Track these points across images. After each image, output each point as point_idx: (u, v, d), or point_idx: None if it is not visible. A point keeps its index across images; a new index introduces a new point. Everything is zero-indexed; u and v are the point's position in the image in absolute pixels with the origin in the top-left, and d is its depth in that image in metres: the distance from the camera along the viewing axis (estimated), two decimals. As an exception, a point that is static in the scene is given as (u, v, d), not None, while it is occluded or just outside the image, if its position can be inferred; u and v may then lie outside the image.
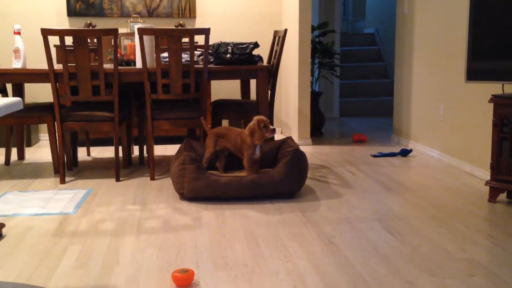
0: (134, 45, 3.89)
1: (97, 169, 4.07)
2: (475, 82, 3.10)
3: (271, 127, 3.24)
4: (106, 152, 4.74)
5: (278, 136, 5.21)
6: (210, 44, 3.81)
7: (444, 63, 4.20)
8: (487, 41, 2.99)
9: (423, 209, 3.00)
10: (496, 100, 3.02)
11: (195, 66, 3.68)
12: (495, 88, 3.44)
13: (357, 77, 7.51)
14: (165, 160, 4.36)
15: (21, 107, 2.19)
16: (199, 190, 3.12)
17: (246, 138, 3.30)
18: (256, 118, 3.27)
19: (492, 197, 3.10)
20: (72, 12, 5.25)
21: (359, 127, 6.02)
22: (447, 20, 4.12)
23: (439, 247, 2.41)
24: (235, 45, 3.79)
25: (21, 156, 4.36)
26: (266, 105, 3.79)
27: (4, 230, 2.69)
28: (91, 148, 4.83)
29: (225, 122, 5.44)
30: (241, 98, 4.53)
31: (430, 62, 4.45)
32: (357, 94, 7.27)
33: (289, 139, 3.64)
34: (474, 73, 3.07)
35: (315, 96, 5.50)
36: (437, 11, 4.29)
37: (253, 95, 5.33)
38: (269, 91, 4.04)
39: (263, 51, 5.42)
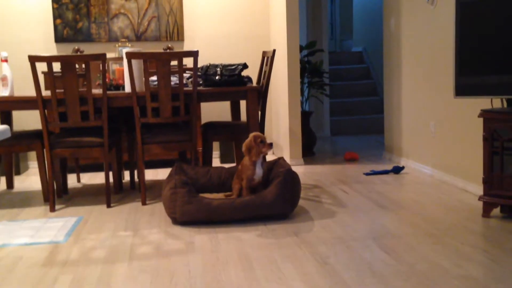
0: (123, 70, 3.90)
1: (88, 195, 4.04)
2: (463, 98, 3.13)
3: (267, 142, 3.25)
4: (96, 178, 4.71)
5: (269, 157, 5.21)
6: (198, 66, 3.82)
7: (432, 79, 4.24)
8: (474, 56, 3.03)
9: (417, 226, 3.00)
10: (485, 114, 3.05)
11: (184, 88, 3.69)
12: (484, 102, 3.47)
13: (346, 96, 7.56)
14: (157, 184, 4.34)
15: (9, 135, 2.18)
16: (191, 213, 3.10)
17: (244, 158, 3.31)
18: (252, 134, 3.29)
19: (486, 212, 3.11)
20: (59, 38, 5.27)
21: (350, 146, 6.04)
22: (434, 36, 4.18)
23: (435, 264, 2.40)
24: (224, 66, 3.81)
25: (10, 185, 4.32)
26: (256, 126, 3.80)
27: (-7, 261, 2.65)
28: (81, 175, 4.80)
29: (216, 145, 5.44)
30: (231, 120, 4.53)
31: (418, 78, 4.49)
32: (348, 112, 7.31)
33: (281, 159, 3.64)
34: (462, 89, 3.10)
35: (305, 116, 5.52)
36: (423, 27, 4.35)
37: (243, 116, 5.34)
38: (259, 112, 4.05)
39: (252, 72, 5.45)
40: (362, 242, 2.74)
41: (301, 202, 3.53)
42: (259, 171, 3.30)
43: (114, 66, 4.20)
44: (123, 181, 4.42)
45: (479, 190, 3.58)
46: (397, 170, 4.45)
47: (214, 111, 5.56)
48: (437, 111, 4.18)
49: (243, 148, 3.27)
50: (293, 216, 3.26)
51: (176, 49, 5.37)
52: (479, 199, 3.14)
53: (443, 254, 2.53)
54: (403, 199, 3.61)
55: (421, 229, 2.93)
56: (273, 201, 3.12)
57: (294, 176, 3.26)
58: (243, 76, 3.88)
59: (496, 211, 3.21)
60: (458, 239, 2.75)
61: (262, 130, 4.00)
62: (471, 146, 3.70)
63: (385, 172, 4.46)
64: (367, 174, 4.44)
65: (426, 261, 2.45)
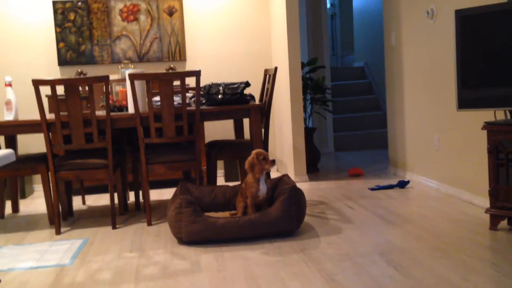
0: (126, 91, 3.93)
1: (93, 217, 4.04)
2: (466, 110, 3.14)
3: (270, 159, 3.26)
4: (101, 199, 4.71)
5: (274, 174, 5.20)
6: (201, 85, 3.84)
7: (435, 92, 4.25)
8: (476, 69, 3.04)
9: (424, 240, 2.98)
10: (489, 127, 3.05)
11: (187, 108, 3.71)
12: (487, 114, 3.47)
13: (349, 111, 7.57)
14: (162, 205, 4.34)
15: (13, 159, 2.19)
16: (197, 233, 3.10)
17: (248, 175, 3.31)
18: (254, 151, 3.30)
19: (493, 225, 3.09)
20: (62, 61, 5.32)
21: (355, 161, 6.03)
22: (435, 49, 4.20)
23: (443, 279, 2.38)
24: (226, 85, 3.83)
25: (15, 208, 4.33)
26: (260, 144, 3.80)
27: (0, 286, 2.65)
28: (86, 196, 4.80)
29: (220, 163, 5.44)
30: (235, 138, 4.54)
31: (421, 92, 4.50)
32: (351, 127, 7.31)
33: (285, 176, 3.64)
34: (465, 101, 3.11)
35: (309, 132, 5.53)
36: (424, 41, 4.38)
37: (246, 134, 5.36)
38: (263, 129, 4.06)
39: (254, 90, 5.48)
40: (369, 258, 2.73)
41: (306, 219, 3.52)
42: (263, 188, 3.31)
43: (117, 88, 4.23)
44: (128, 202, 4.42)
45: (485, 202, 3.57)
46: (402, 184, 4.43)
47: (218, 130, 5.58)
48: (441, 124, 4.18)
49: (246, 166, 3.28)
50: (299, 233, 3.25)
51: (179, 69, 5.40)
52: (485, 212, 3.13)
53: (451, 268, 2.52)
54: (409, 214, 3.60)
55: (428, 243, 2.92)
56: (278, 218, 3.12)
57: (299, 193, 3.26)
58: (246, 94, 3.90)
59: (504, 223, 3.20)
60: (465, 252, 2.73)
61: (265, 147, 4.01)
62: (476, 159, 3.69)
63: (390, 186, 4.45)
64: (372, 189, 4.43)
65: (433, 275, 2.43)
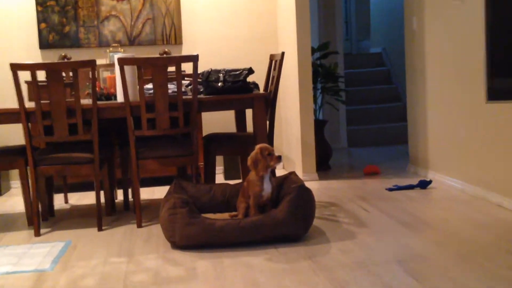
0: (114, 77, 3.92)
1: (77, 217, 4.05)
2: (497, 102, 3.12)
3: (276, 154, 3.25)
4: (86, 198, 4.72)
5: (280, 172, 5.20)
6: (199, 72, 3.83)
7: (461, 82, 4.23)
8: (509, 55, 3.02)
9: (447, 247, 2.97)
10: (522, 120, 3.03)
11: (183, 97, 3.71)
12: (520, 107, 3.46)
13: (365, 102, 7.55)
14: (153, 205, 4.34)
15: (-11, 151, 2.19)
16: (192, 236, 3.10)
17: (251, 173, 3.31)
18: (258, 146, 3.30)
19: (526, 230, 3.08)
20: (44, 44, 5.32)
21: (370, 158, 6.02)
22: (461, 34, 4.17)
23: (469, 290, 2.38)
24: (227, 72, 3.82)
25: (-10, 207, 4.34)
26: (264, 137, 3.80)
27: (-29, 293, 2.65)
28: (69, 195, 4.81)
29: (219, 159, 5.44)
30: (236, 131, 4.54)
31: (445, 81, 4.48)
32: (366, 120, 7.30)
33: (292, 174, 3.63)
34: (495, 92, 3.09)
35: (319, 125, 5.52)
36: (449, 25, 4.35)
37: (249, 127, 5.34)
38: (268, 122, 4.05)
39: (258, 78, 5.46)
40: (386, 266, 2.72)
41: (316, 222, 3.52)
42: (267, 187, 3.30)
43: (105, 74, 4.23)
44: (116, 201, 4.42)
45: (517, 205, 3.56)
46: (424, 184, 4.43)
47: (217, 121, 5.57)
48: (468, 118, 4.16)
49: (249, 162, 3.27)
50: (307, 237, 3.24)
51: (174, 54, 5.40)
52: (517, 216, 3.12)
53: (477, 278, 2.51)
54: (431, 217, 3.59)
55: (452, 250, 2.91)
56: (284, 221, 3.11)
57: (307, 193, 3.26)
58: (249, 82, 3.89)
59: (537, 229, 3.19)
60: (493, 261, 2.72)
61: (270, 141, 4.00)
62: (507, 157, 3.68)
63: (410, 187, 4.44)
64: (390, 189, 4.43)
65: (457, 286, 2.42)
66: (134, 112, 3.62)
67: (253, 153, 3.29)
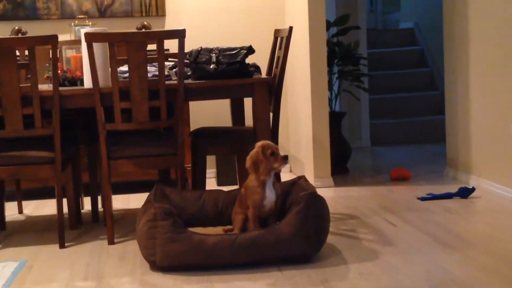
0: (81, 57, 3.92)
1: (33, 231, 4.05)
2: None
3: (281, 154, 3.25)
4: (45, 207, 4.72)
5: (286, 176, 5.19)
6: (186, 51, 3.83)
7: (512, 66, 4.23)
8: None
9: (494, 271, 2.98)
10: None
11: (167, 82, 3.70)
12: None
13: (392, 90, 7.55)
14: (129, 216, 4.34)
15: None
16: (177, 255, 3.10)
17: (250, 177, 3.31)
18: (259, 144, 3.30)
19: None
20: (-6, 14, 5.31)
21: (399, 160, 6.02)
22: (514, 6, 4.17)
23: (520, 325, 2.39)
24: (221, 51, 3.82)
25: None
26: (267, 133, 3.80)
27: None
28: (24, 203, 4.81)
29: (211, 160, 5.44)
30: (232, 125, 4.54)
31: (494, 65, 4.48)
32: (394, 113, 7.29)
33: (301, 179, 3.63)
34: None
35: (335, 119, 5.52)
36: (498, -6, 4.35)
37: (248, 120, 5.34)
38: (271, 114, 4.05)
39: (260, 59, 5.45)
40: (417, 294, 2.73)
41: (330, 239, 3.52)
42: (270, 195, 3.30)
43: (69, 53, 4.22)
44: (82, 211, 4.43)
45: None
46: (465, 193, 4.43)
47: (208, 113, 5.57)
48: (520, 110, 4.16)
49: (248, 163, 3.27)
50: (319, 258, 3.25)
51: (155, 28, 5.39)
52: None
53: (531, 309, 2.51)
54: (474, 234, 3.59)
55: (499, 275, 2.91)
56: (291, 237, 3.12)
57: (320, 202, 3.26)
58: (248, 64, 3.89)
59: None
60: (551, 288, 2.73)
61: (275, 138, 4.00)
62: None
63: (448, 196, 4.44)
64: (422, 199, 4.43)
65: (506, 319, 2.43)
66: (105, 101, 3.62)
67: (253, 152, 3.29)
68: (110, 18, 5.43)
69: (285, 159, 3.26)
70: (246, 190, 3.35)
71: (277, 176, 3.71)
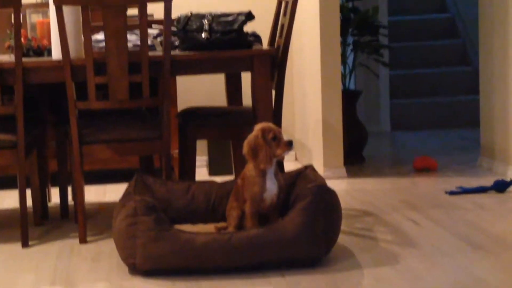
0: (48, 23, 3.92)
1: (-8, 228, 4.07)
2: None
3: (284, 139, 3.26)
4: (5, 199, 4.73)
5: (290, 165, 5.20)
6: (173, 17, 3.83)
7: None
8: None
9: (534, 278, 2.99)
10: None
11: (150, 54, 3.70)
12: None
13: (417, 65, 7.53)
14: (105, 210, 4.35)
15: None
16: (161, 257, 3.10)
17: (247, 165, 3.32)
18: (259, 126, 3.30)
19: None
20: None
21: (423, 147, 6.02)
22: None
23: None
24: (215, 17, 3.82)
25: None
26: (269, 114, 3.80)
27: None
28: (-19, 195, 4.82)
29: (202, 145, 5.44)
30: (227, 105, 4.54)
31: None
32: (419, 92, 7.28)
33: (308, 169, 3.64)
34: None
35: (350, 98, 5.51)
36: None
37: (247, 100, 5.33)
38: (274, 92, 4.05)
39: (261, 27, 5.45)
40: (443, 304, 2.75)
41: (341, 239, 3.53)
42: (271, 187, 3.31)
43: (34, 18, 4.21)
44: (49, 204, 4.44)
45: None
46: (502, 186, 4.43)
47: (199, 90, 5.57)
48: None
49: (245, 149, 3.27)
50: (329, 261, 3.25)
51: (137, -11, 5.37)
52: None
53: None
54: (511, 234, 3.61)
55: (541, 283, 2.93)
56: (295, 236, 3.12)
57: (330, 197, 3.27)
58: (247, 33, 3.88)
59: None
60: None
61: (278, 120, 4.00)
62: None
63: (482, 189, 4.45)
64: (451, 193, 4.44)
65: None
66: (76, 75, 3.62)
67: (251, 137, 3.28)
68: (83, -23, 5.40)
69: (289, 144, 3.26)
70: (243, 181, 3.35)
71: (280, 165, 3.71)
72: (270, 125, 3.32)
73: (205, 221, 3.61)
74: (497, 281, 2.97)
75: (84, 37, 3.57)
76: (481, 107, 5.26)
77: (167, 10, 3.61)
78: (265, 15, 5.09)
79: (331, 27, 4.94)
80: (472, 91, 7.09)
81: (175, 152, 4.66)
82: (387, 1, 6.86)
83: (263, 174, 3.29)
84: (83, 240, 3.69)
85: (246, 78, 4.56)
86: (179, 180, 4.05)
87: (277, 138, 3.26)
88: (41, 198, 4.10)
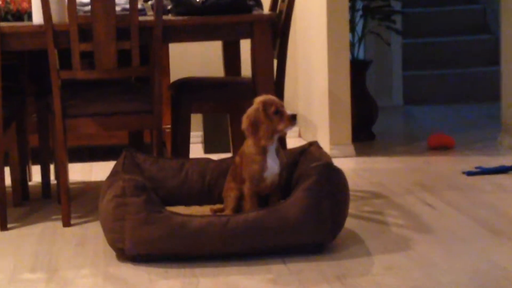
0: (29, -16, 3.90)
1: (-33, 209, 4.07)
2: None
3: (287, 112, 3.25)
4: (-18, 178, 4.73)
5: (293, 142, 5.20)
6: (166, -22, 3.82)
7: None
8: None
9: (559, 266, 2.99)
10: None
11: (140, 18, 3.68)
12: None
13: (433, 33, 7.51)
14: (90, 190, 4.36)
15: None
16: (152, 242, 3.10)
17: (246, 142, 3.30)
18: (260, 99, 3.28)
19: None
20: None
21: (439, 123, 6.01)
22: None
23: None
24: (211, -22, 3.80)
25: None
26: (270, 86, 3.78)
27: None
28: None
29: (196, 120, 5.43)
30: (224, 75, 4.52)
31: None
32: (435, 62, 7.26)
33: (313, 146, 3.63)
34: None
35: (359, 69, 5.50)
36: None
37: (246, 70, 5.32)
38: (276, 61, 4.04)
39: (262, -10, 5.44)
40: (460, 295, 2.74)
41: (349, 223, 3.53)
42: (272, 166, 3.29)
43: (13, -22, 4.19)
44: (30, 183, 4.44)
45: None
46: (524, 166, 4.45)
47: (194, 59, 5.55)
48: None
49: (244, 124, 3.25)
50: (334, 247, 3.26)
51: None
52: None
53: None
54: (534, 219, 3.61)
55: None
56: (298, 220, 3.12)
57: (337, 177, 3.26)
58: (246, -4, 3.87)
59: None
60: None
61: (279, 93, 3.99)
62: None
63: (502, 169, 4.45)
64: (469, 173, 4.44)
65: None
66: (59, 42, 3.60)
67: (251, 110, 3.26)
68: None
69: (292, 119, 3.25)
70: (241, 158, 3.34)
71: (282, 141, 3.70)
72: (272, 97, 3.31)
73: (200, 202, 3.61)
74: (518, 270, 2.98)
75: None
76: (502, 79, 5.24)
77: (159, -30, 3.59)
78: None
79: (338, -9, 4.93)
80: (492, 62, 7.08)
81: (167, 126, 4.65)
82: (401, -39, 6.83)
83: (263, 151, 3.28)
84: (66, 223, 3.69)
85: (245, 46, 4.54)
86: (172, 157, 4.04)
87: (279, 112, 3.24)
88: (21, 176, 4.10)
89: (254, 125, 3.24)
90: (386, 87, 6.82)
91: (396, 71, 6.82)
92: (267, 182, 3.32)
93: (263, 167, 3.28)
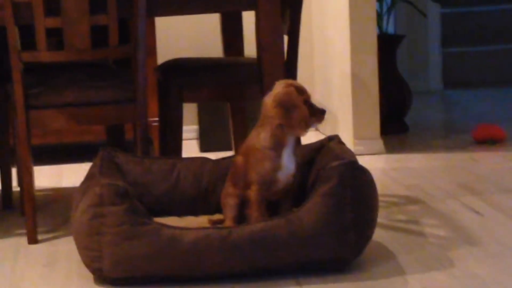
0: None
1: None
2: None
3: (316, 105, 3.26)
4: None
5: (309, 136, 5.20)
6: None
7: None
8: None
9: None
10: None
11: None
12: None
13: (478, 1, 7.51)
14: (61, 198, 4.37)
15: None
16: (136, 261, 3.11)
17: (251, 135, 3.29)
18: (288, 82, 3.27)
19: None
20: None
21: (486, 111, 6.02)
22: None
23: None
24: None
25: None
26: (279, 67, 3.78)
27: None
28: None
29: (190, 110, 5.43)
30: (223, 56, 4.53)
31: None
32: (480, 38, 7.27)
33: (333, 141, 3.63)
34: None
35: (388, 46, 5.51)
36: None
37: (250, 49, 5.32)
38: (286, 38, 4.04)
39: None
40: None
41: (378, 235, 3.53)
42: (289, 165, 3.30)
43: None
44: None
45: None
46: None
47: (185, 37, 5.56)
48: None
49: (272, 105, 3.20)
50: (360, 265, 3.26)
51: None
52: None
53: None
54: None
55: None
56: (315, 231, 3.12)
57: (362, 179, 3.26)
58: (249, -41, 3.87)
59: None
60: None
61: (291, 76, 4.00)
62: None
63: None
64: (524, 172, 4.45)
65: None
66: (21, 17, 3.61)
67: (282, 91, 3.22)
68: None
69: (322, 114, 3.24)
70: (245, 157, 3.32)
71: (298, 140, 3.69)
72: (300, 84, 3.29)
73: (195, 212, 3.63)
74: None
75: (30, -35, 3.56)
76: None
77: None
78: None
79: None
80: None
81: (154, 119, 4.65)
82: None
83: (279, 146, 3.26)
84: (32, 239, 3.70)
85: (248, 18, 4.54)
86: (160, 157, 4.04)
87: (308, 102, 3.23)
88: (-24, 182, 4.12)
89: (287, 108, 3.20)
90: (422, 67, 6.82)
91: (434, 48, 6.83)
92: (280, 185, 3.30)
93: (277, 166, 3.26)
